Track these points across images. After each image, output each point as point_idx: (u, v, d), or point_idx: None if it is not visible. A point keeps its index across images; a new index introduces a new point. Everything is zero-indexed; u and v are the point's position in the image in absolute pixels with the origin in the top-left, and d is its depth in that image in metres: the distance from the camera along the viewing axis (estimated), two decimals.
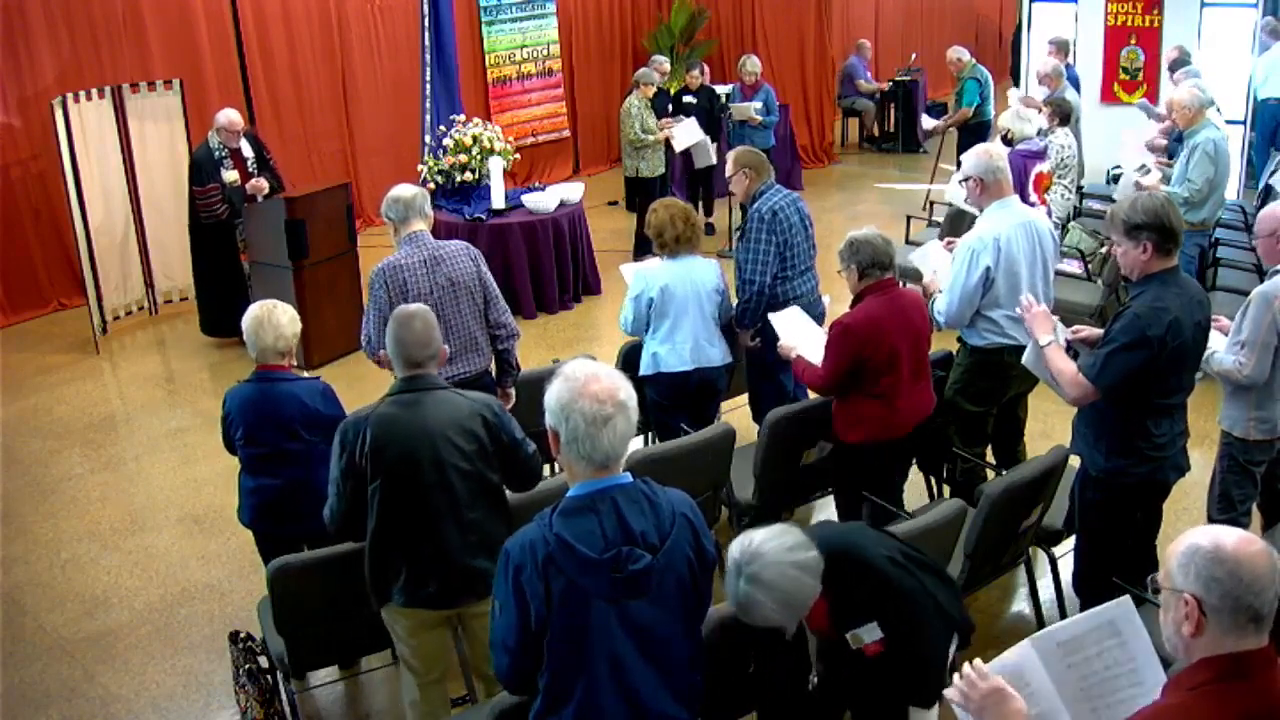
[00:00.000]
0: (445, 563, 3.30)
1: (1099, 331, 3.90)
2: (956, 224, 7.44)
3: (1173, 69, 8.59)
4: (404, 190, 4.65)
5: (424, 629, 3.44)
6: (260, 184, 7.32)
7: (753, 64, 9.75)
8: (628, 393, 2.43)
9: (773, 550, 2.63)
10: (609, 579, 2.37)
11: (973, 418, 4.70)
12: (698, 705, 2.59)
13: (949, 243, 4.88)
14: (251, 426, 3.94)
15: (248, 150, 7.42)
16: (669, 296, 4.85)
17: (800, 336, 4.56)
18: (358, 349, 4.59)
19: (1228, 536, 1.98)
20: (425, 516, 3.27)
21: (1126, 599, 2.56)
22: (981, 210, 4.63)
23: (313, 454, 4.00)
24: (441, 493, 3.26)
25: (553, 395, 2.41)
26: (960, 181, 4.74)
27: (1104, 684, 2.48)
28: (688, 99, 9.62)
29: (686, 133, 9.21)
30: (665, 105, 9.41)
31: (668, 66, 9.94)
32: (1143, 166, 7.36)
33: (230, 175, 7.27)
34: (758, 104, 9.55)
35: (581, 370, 2.43)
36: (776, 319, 4.74)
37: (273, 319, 3.93)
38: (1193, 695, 1.95)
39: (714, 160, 9.34)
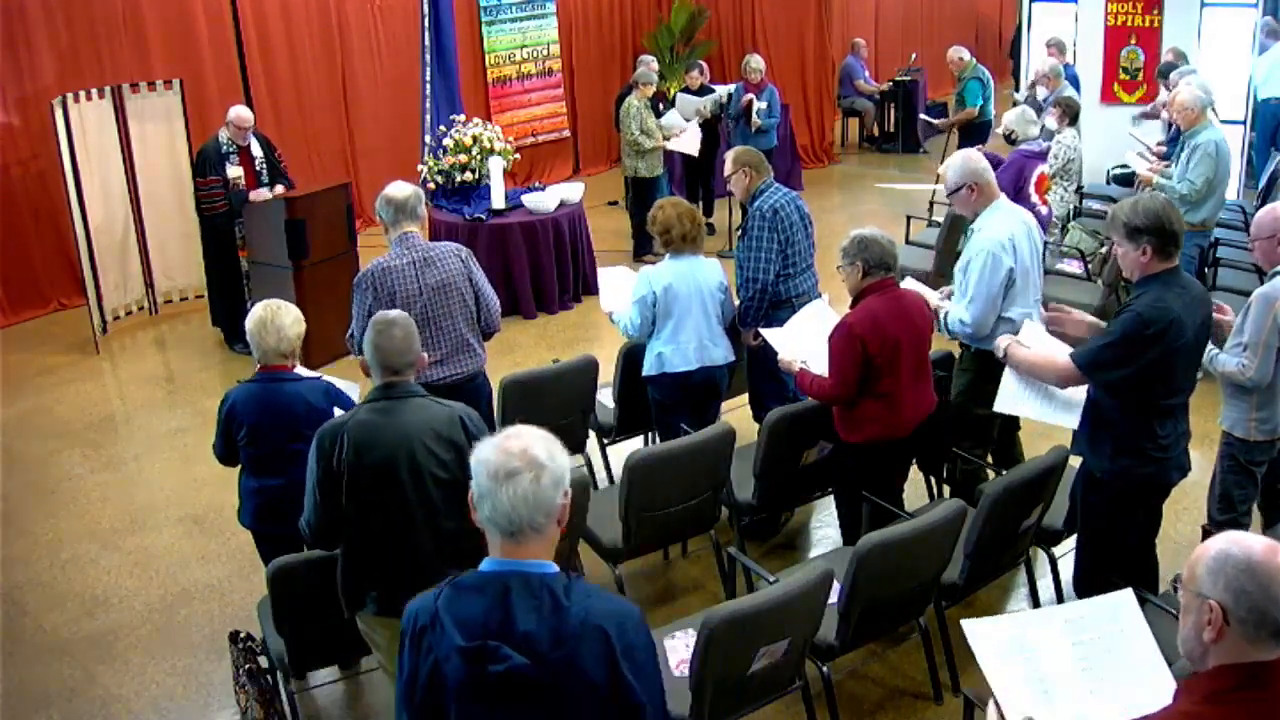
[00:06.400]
0: (420, 571, 3.21)
1: (1077, 314, 4.05)
2: (957, 225, 7.45)
3: (1165, 72, 8.58)
4: (397, 191, 4.61)
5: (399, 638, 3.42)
6: (264, 195, 7.30)
7: (757, 62, 9.73)
8: (550, 455, 2.13)
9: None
10: (467, 673, 2.10)
11: (981, 421, 4.68)
12: None
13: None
14: (255, 427, 3.92)
15: (257, 150, 7.42)
16: (673, 296, 4.85)
17: (800, 348, 4.54)
18: None
19: (1258, 546, 1.93)
20: (402, 524, 3.23)
21: (1129, 591, 2.61)
22: (976, 215, 4.60)
23: None
24: (419, 500, 3.22)
25: (476, 453, 2.17)
26: (950, 194, 4.67)
27: (1102, 666, 2.52)
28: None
29: (685, 134, 9.21)
30: (658, 106, 9.37)
31: (656, 65, 9.92)
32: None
33: (234, 171, 7.27)
34: (762, 104, 9.55)
35: (510, 430, 2.20)
36: (772, 336, 4.72)
37: (276, 320, 3.91)
38: (1209, 704, 1.93)
39: (695, 151, 9.31)
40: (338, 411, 3.84)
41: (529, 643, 2.08)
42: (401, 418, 3.23)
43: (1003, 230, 4.46)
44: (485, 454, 2.14)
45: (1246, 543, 1.95)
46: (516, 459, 2.10)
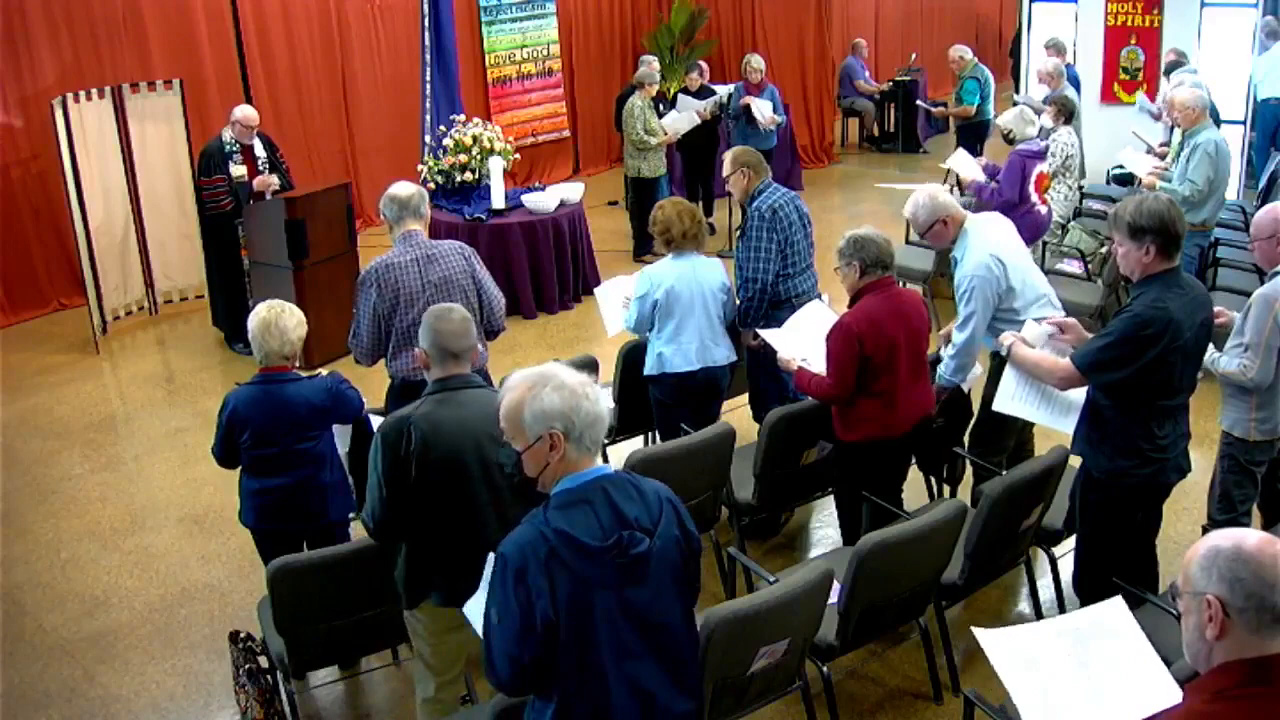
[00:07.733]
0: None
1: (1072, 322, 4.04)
2: None
3: (1169, 71, 8.59)
4: (401, 190, 4.64)
5: (450, 629, 3.43)
6: (268, 180, 7.31)
7: (757, 62, 9.71)
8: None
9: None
10: (613, 566, 2.41)
11: (1009, 421, 4.63)
12: (698, 689, 2.70)
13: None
14: (260, 429, 3.92)
15: (260, 149, 7.43)
16: (674, 296, 4.85)
17: (800, 347, 4.54)
18: None
19: (1249, 537, 1.94)
20: (470, 515, 3.26)
21: (1119, 598, 2.62)
22: (953, 243, 4.61)
23: (318, 452, 4.00)
24: (486, 490, 3.25)
25: (550, 402, 2.48)
26: (924, 234, 4.72)
27: (1105, 676, 2.53)
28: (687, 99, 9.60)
29: (682, 119, 9.25)
30: (659, 106, 9.37)
31: (657, 64, 9.91)
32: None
33: (238, 170, 7.28)
34: (764, 103, 9.54)
35: (554, 371, 2.56)
36: (770, 335, 4.73)
37: (280, 322, 3.91)
38: (1217, 702, 1.92)
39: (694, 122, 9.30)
40: (377, 419, 3.85)
41: (640, 525, 2.46)
42: (463, 410, 3.26)
43: (985, 250, 4.49)
44: (560, 385, 2.50)
45: (1235, 535, 1.96)
46: (585, 383, 2.54)
